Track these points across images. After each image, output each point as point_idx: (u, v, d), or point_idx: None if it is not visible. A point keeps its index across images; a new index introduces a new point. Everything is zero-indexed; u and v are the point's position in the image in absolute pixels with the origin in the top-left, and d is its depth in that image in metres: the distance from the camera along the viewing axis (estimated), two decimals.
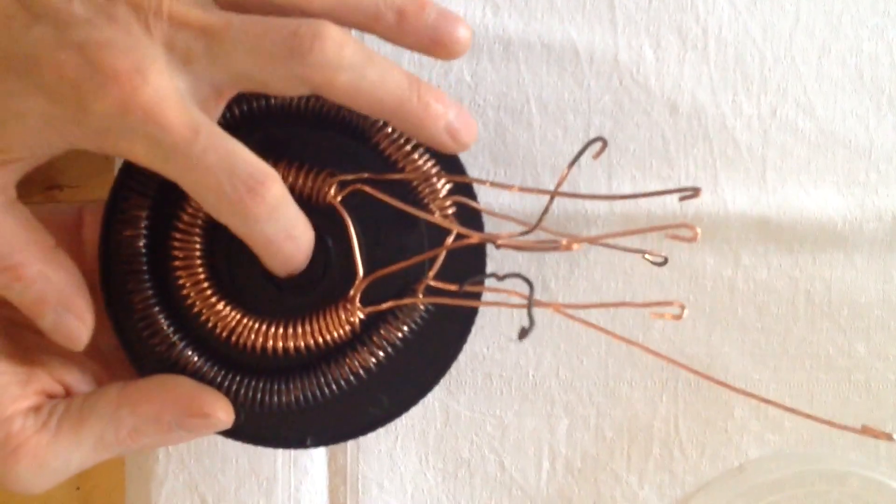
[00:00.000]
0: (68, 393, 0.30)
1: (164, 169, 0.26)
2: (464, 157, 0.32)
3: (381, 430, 0.37)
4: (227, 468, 0.36)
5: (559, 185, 0.29)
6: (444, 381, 0.36)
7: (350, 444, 0.36)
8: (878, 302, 0.35)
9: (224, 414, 0.29)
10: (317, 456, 0.36)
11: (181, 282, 0.30)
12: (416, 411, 0.36)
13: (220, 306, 0.30)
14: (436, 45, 0.28)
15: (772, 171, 0.35)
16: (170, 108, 0.25)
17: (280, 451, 0.36)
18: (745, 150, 0.34)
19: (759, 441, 0.36)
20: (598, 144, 0.29)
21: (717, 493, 0.36)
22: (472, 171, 0.31)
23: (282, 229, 0.27)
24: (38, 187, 0.31)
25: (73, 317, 0.28)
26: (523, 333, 0.25)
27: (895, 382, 0.36)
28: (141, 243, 0.30)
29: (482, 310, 0.36)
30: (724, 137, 0.34)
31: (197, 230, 0.30)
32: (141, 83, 0.25)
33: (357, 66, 0.27)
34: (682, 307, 0.27)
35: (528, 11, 0.34)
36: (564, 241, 0.27)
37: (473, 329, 0.35)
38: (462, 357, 0.36)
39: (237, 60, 0.26)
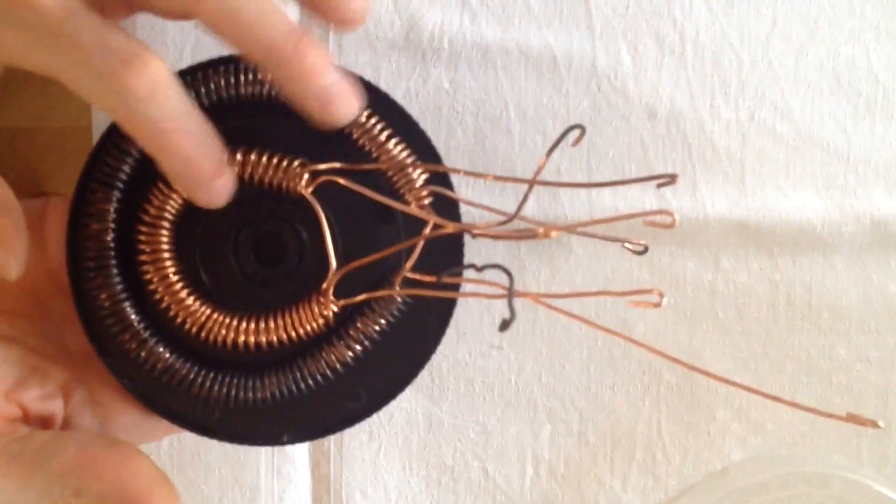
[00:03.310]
0: (25, 415, 0.29)
1: (35, 57, 0.25)
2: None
3: (364, 438, 0.37)
4: (209, 478, 0.36)
5: (537, 173, 0.28)
6: (426, 388, 0.36)
7: (333, 451, 0.36)
8: (858, 304, 0.35)
9: None
10: (300, 464, 0.36)
11: (148, 276, 0.30)
12: (399, 418, 0.36)
13: (189, 301, 0.30)
14: (328, 5, 0.26)
15: (750, 175, 0.35)
16: None
17: (263, 460, 0.36)
18: (724, 154, 0.35)
19: (741, 444, 0.36)
20: (577, 132, 0.28)
21: (700, 497, 0.36)
22: (451, 177, 0.31)
23: (168, 115, 0.25)
24: (24, 194, 0.31)
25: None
26: (504, 325, 0.25)
27: (876, 384, 0.36)
28: (109, 237, 0.30)
29: (464, 317, 0.36)
30: (702, 142, 0.34)
31: (164, 223, 0.30)
32: None
33: None
34: (661, 295, 0.27)
35: (506, 18, 0.34)
36: (542, 230, 0.26)
37: (455, 336, 0.35)
38: (444, 364, 0.36)
39: None
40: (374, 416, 0.36)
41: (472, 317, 0.36)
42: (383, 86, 0.31)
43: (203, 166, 0.27)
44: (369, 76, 0.31)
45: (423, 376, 0.36)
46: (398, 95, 0.31)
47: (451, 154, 0.35)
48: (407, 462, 0.36)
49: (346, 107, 0.26)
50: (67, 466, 0.27)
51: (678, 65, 0.34)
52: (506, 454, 0.36)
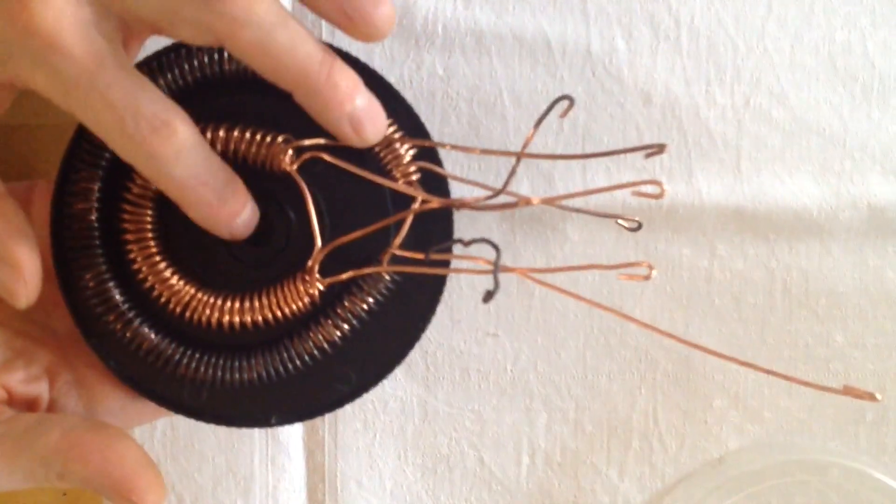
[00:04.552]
0: (10, 397, 0.29)
1: (66, 102, 0.25)
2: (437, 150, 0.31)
3: (358, 427, 0.36)
4: (203, 467, 0.36)
5: (525, 146, 0.28)
6: (421, 377, 0.36)
7: (328, 440, 0.36)
8: (855, 291, 0.35)
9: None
10: (294, 453, 0.36)
11: (132, 255, 0.29)
12: (393, 407, 0.36)
13: (173, 281, 0.29)
14: (351, 22, 0.26)
15: (746, 161, 0.34)
16: (72, 35, 0.24)
17: (257, 449, 0.36)
18: (720, 140, 0.34)
19: (738, 432, 0.36)
20: (566, 103, 0.28)
21: (698, 485, 0.36)
22: (446, 162, 0.31)
23: (191, 173, 0.26)
24: (14, 174, 0.30)
25: (10, 269, 0.27)
26: (488, 296, 0.24)
27: (873, 371, 0.35)
28: (93, 217, 0.29)
29: (458, 304, 0.36)
30: (697, 128, 0.34)
31: (148, 202, 0.29)
32: (41, 7, 0.24)
33: (266, 25, 0.25)
34: (651, 267, 0.26)
35: (500, 4, 0.34)
36: (522, 199, 0.26)
37: (450, 324, 0.35)
38: (439, 352, 0.36)
39: None
40: (369, 405, 0.36)
41: (466, 304, 0.35)
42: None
43: (223, 211, 0.27)
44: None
45: (418, 364, 0.36)
46: (391, 82, 0.30)
47: (445, 140, 0.35)
48: (402, 451, 0.36)
49: (376, 127, 0.27)
50: (52, 449, 0.27)
51: (673, 50, 0.34)
52: (501, 443, 0.36)
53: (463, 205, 0.28)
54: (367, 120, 0.27)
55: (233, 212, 0.27)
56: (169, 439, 0.36)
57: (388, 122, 0.28)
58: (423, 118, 0.30)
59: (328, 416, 0.36)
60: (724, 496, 0.35)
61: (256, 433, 0.36)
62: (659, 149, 0.27)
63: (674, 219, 0.35)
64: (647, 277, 0.26)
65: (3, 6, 0.24)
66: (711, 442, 0.36)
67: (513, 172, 0.27)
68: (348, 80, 0.26)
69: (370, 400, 0.36)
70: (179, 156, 0.25)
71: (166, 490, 0.28)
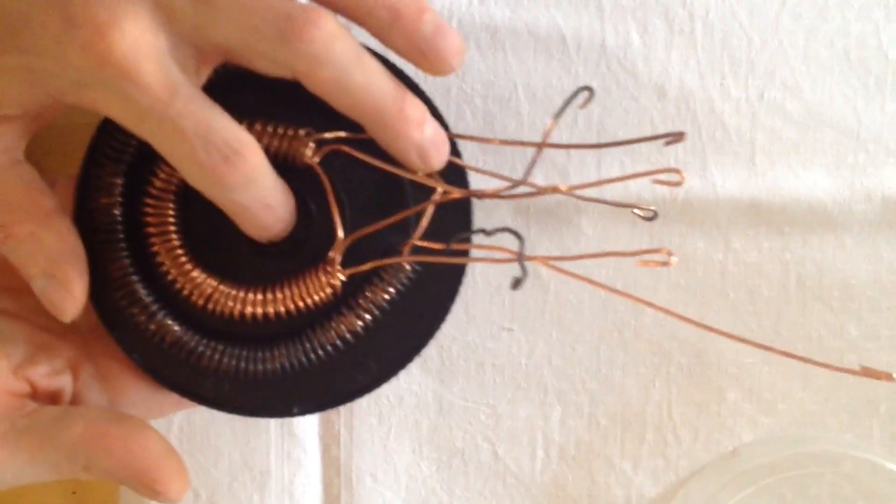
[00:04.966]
0: (34, 391, 0.29)
1: (139, 129, 0.26)
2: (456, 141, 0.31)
3: (373, 421, 0.36)
4: (220, 462, 0.36)
5: (545, 136, 0.28)
6: (436, 371, 0.36)
7: (343, 434, 0.36)
8: (868, 283, 0.35)
9: (175, 494, 0.28)
10: (310, 448, 0.36)
11: (155, 249, 0.30)
12: (409, 401, 0.36)
13: (195, 273, 0.30)
14: (424, 57, 0.27)
15: (761, 154, 0.34)
16: (146, 66, 0.25)
17: (273, 444, 0.36)
18: (734, 133, 0.34)
19: (752, 424, 0.36)
20: (585, 94, 0.28)
21: (712, 478, 0.36)
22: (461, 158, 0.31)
23: (257, 199, 0.27)
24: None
25: (60, 285, 0.28)
26: (516, 283, 0.25)
27: (887, 363, 0.36)
28: (117, 211, 0.30)
29: (474, 299, 0.36)
30: (712, 121, 0.34)
31: (170, 196, 0.30)
32: (118, 37, 0.24)
33: (344, 64, 0.26)
34: (670, 253, 0.27)
35: None
36: (548, 188, 0.26)
37: (465, 318, 0.35)
38: (454, 346, 0.36)
39: (224, 29, 0.25)
40: (384, 399, 0.36)
41: (481, 298, 0.36)
42: None
43: (277, 227, 0.28)
44: None
45: (433, 359, 0.36)
46: None
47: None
48: (417, 445, 0.36)
49: (441, 155, 0.28)
50: (76, 441, 0.27)
51: (688, 44, 0.34)
52: (516, 436, 0.36)
53: (486, 195, 0.28)
54: (433, 148, 0.28)
55: (285, 226, 0.29)
56: (185, 434, 0.36)
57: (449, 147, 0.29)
58: None
59: (344, 411, 0.36)
60: (739, 488, 0.36)
61: (273, 428, 0.36)
62: (677, 137, 0.27)
63: (688, 212, 0.35)
64: (666, 264, 0.26)
65: (81, 35, 0.24)
66: (725, 434, 0.36)
67: (533, 162, 0.28)
68: (419, 113, 0.27)
69: (385, 394, 0.36)
70: (248, 184, 0.26)
71: (189, 479, 0.28)
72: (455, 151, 0.30)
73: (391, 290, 0.30)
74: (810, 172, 0.35)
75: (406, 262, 0.30)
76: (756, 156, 0.35)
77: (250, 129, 0.29)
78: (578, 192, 0.28)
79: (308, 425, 0.36)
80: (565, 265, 0.29)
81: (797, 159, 0.35)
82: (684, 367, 0.36)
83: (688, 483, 0.36)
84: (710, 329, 0.29)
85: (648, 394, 0.36)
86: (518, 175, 0.29)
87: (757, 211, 0.35)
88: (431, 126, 0.28)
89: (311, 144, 0.29)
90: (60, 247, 0.28)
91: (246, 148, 0.26)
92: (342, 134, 0.29)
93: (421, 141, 0.27)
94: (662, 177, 0.27)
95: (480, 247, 0.28)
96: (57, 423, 0.28)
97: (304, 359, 0.30)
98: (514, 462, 0.36)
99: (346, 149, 0.29)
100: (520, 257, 0.25)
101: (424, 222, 0.29)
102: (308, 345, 0.30)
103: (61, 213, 0.29)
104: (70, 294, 0.28)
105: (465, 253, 0.29)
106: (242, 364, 0.30)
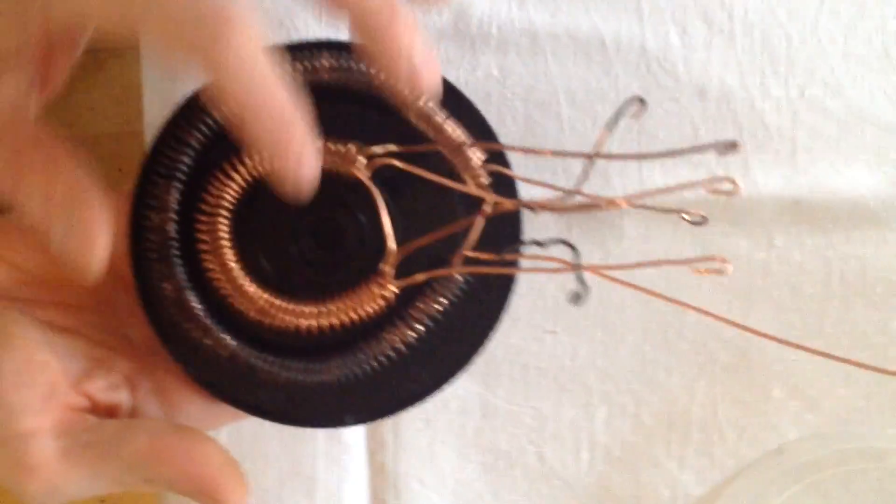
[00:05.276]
0: (93, 405, 0.29)
1: (118, 14, 0.24)
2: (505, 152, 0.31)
3: (419, 426, 0.37)
4: (268, 470, 0.36)
5: (597, 147, 0.28)
6: (480, 375, 0.36)
7: (390, 440, 0.37)
8: None
9: (236, 502, 0.28)
10: (357, 454, 0.37)
11: (209, 265, 0.30)
12: (453, 405, 0.36)
13: (249, 288, 0.30)
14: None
15: (802, 152, 0.35)
16: None
17: (321, 451, 0.36)
18: (775, 132, 0.35)
19: (797, 422, 0.36)
20: (637, 104, 0.28)
21: (757, 476, 0.36)
22: (508, 158, 0.31)
23: (256, 86, 0.24)
24: None
25: (83, 228, 0.26)
26: (576, 298, 0.25)
27: None
28: (171, 228, 0.30)
29: (517, 302, 0.36)
30: (753, 120, 0.34)
31: (223, 212, 0.30)
32: None
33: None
34: (724, 260, 0.27)
35: (554, 4, 0.34)
36: (606, 201, 0.26)
37: (509, 321, 0.35)
38: (498, 349, 0.36)
39: None
40: (429, 404, 0.36)
41: (525, 302, 0.36)
42: None
43: (288, 136, 0.25)
44: None
45: (477, 362, 0.36)
46: None
47: (502, 141, 0.35)
48: (462, 449, 0.37)
49: (434, 76, 0.27)
50: (139, 454, 0.27)
51: (727, 44, 0.34)
52: (561, 438, 0.36)
53: (542, 206, 0.28)
54: (423, 68, 0.26)
55: (298, 141, 0.26)
56: (234, 442, 0.36)
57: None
58: None
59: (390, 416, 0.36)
60: (785, 486, 0.36)
61: (320, 435, 0.36)
62: (731, 146, 0.27)
63: (730, 211, 0.35)
64: (720, 273, 0.26)
65: None
66: (771, 432, 0.36)
67: (585, 174, 0.28)
68: (410, 27, 0.26)
69: (430, 399, 0.36)
70: (241, 67, 0.24)
71: (250, 489, 0.28)
72: (503, 161, 0.30)
73: (443, 300, 0.30)
74: (852, 169, 0.35)
75: (458, 273, 0.30)
76: (797, 154, 0.35)
77: None
78: (642, 200, 0.28)
79: (355, 431, 0.37)
80: (614, 273, 0.29)
81: (838, 156, 0.35)
82: (728, 365, 0.36)
83: (733, 482, 0.36)
84: (751, 330, 0.29)
85: (693, 393, 0.36)
86: (560, 179, 0.29)
87: (799, 209, 0.35)
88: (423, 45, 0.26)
89: (362, 160, 0.29)
90: (84, 198, 0.26)
91: (237, 19, 0.23)
92: (392, 147, 0.29)
93: (411, 62, 0.26)
94: (720, 185, 0.27)
95: (533, 256, 0.28)
96: (118, 436, 0.28)
97: (357, 370, 0.30)
98: (559, 464, 0.36)
99: (396, 162, 0.29)
100: (577, 269, 0.25)
101: (475, 235, 0.29)
102: (361, 356, 0.30)
103: (89, 177, 0.27)
104: (91, 248, 0.26)
105: (516, 263, 0.29)
106: (296, 376, 0.30)
